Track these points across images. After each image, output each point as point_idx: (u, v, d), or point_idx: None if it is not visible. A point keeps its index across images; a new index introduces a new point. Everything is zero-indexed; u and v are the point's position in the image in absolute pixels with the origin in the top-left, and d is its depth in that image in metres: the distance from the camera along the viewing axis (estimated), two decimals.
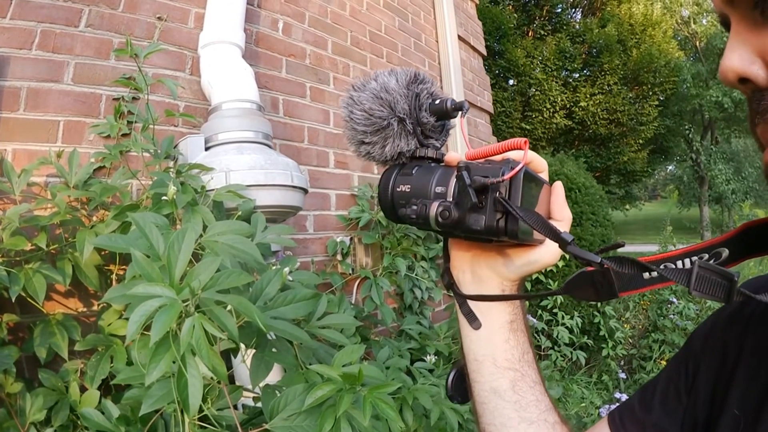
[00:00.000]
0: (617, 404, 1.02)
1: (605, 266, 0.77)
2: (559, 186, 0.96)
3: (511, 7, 19.78)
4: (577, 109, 18.78)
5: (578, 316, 5.70)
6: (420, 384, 2.48)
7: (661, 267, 0.77)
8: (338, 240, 3.58)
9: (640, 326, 6.86)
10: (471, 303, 0.99)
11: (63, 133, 2.44)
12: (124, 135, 2.53)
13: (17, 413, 1.83)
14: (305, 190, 2.65)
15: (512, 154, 0.87)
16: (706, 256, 0.85)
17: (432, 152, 0.95)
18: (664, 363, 5.88)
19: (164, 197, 1.75)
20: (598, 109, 18.60)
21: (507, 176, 0.80)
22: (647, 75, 19.53)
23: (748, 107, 0.70)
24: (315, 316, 1.73)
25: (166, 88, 2.52)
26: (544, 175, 0.93)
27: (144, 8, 2.83)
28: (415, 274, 3.85)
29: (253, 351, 1.54)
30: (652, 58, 19.32)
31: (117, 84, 2.56)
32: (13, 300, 1.80)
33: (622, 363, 6.47)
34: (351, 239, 3.71)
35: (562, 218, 0.92)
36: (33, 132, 2.38)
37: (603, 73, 18.93)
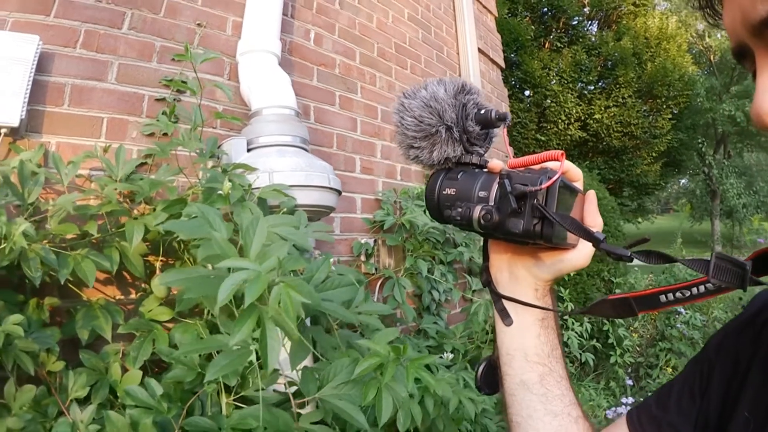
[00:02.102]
0: (629, 405, 1.08)
1: (633, 259, 0.84)
2: (592, 194, 1.02)
3: (528, 18, 19.72)
4: (591, 121, 18.73)
5: (588, 322, 5.80)
6: (439, 376, 2.57)
7: (684, 259, 0.82)
8: (363, 242, 3.69)
9: (648, 335, 6.93)
10: (505, 300, 1.05)
11: (107, 129, 2.54)
12: (164, 134, 2.65)
13: (57, 391, 1.92)
14: (339, 192, 2.79)
15: (550, 165, 0.93)
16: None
17: (476, 159, 1.01)
18: (669, 370, 6.03)
19: (219, 192, 1.87)
20: (613, 122, 18.55)
21: (544, 185, 0.86)
22: (661, 88, 19.47)
23: None
24: (355, 303, 1.88)
25: (206, 91, 2.64)
26: (579, 184, 1.00)
27: (185, 14, 2.94)
28: (434, 277, 3.98)
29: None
30: (667, 72, 19.27)
31: (162, 85, 2.71)
32: (62, 282, 1.91)
33: (630, 370, 6.57)
34: (375, 241, 3.83)
35: (594, 224, 0.98)
36: (77, 127, 2.48)
37: (618, 86, 18.85)
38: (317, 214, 2.70)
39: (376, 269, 3.73)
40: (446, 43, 5.62)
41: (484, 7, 6.63)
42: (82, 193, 2.20)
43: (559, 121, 19.18)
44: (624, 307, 0.93)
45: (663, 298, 0.89)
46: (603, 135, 19.10)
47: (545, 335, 1.03)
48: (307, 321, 1.98)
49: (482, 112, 0.98)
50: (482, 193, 0.93)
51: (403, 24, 4.90)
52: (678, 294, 0.88)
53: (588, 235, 0.87)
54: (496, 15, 7.04)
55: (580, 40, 20.05)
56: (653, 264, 0.87)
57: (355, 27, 4.24)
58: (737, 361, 0.87)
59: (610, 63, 19.41)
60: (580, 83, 19.35)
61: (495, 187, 0.92)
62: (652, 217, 36.21)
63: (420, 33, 5.15)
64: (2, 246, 1.70)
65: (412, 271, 3.86)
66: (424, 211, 3.92)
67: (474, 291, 4.63)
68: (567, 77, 18.69)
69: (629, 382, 6.04)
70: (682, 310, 6.66)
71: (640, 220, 30.64)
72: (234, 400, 1.85)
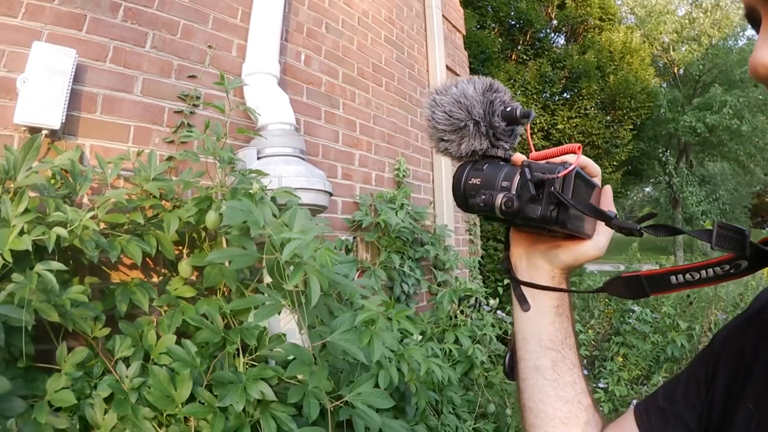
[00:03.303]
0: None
1: (643, 233, 0.91)
2: (607, 189, 1.08)
3: (496, 31, 19.58)
4: (554, 131, 18.56)
5: None
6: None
7: (690, 230, 0.89)
8: (343, 238, 4.16)
9: (603, 331, 7.31)
10: (523, 287, 1.10)
11: (134, 135, 2.93)
12: (183, 143, 3.06)
13: (102, 354, 2.26)
14: (330, 194, 3.27)
15: (569, 158, 1.00)
16: (728, 266, 0.89)
17: (501, 152, 1.06)
18: (620, 359, 6.40)
19: (249, 191, 2.32)
20: (575, 132, 18.38)
21: (561, 174, 0.92)
22: (623, 100, 19.40)
23: None
24: (350, 277, 2.38)
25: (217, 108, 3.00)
26: (597, 180, 1.06)
27: (197, 36, 3.35)
28: (404, 269, 4.47)
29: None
30: (629, 85, 19.18)
31: (179, 98, 3.14)
32: (113, 261, 2.29)
33: (586, 362, 6.91)
34: (354, 238, 4.31)
35: None
36: (108, 132, 2.82)
37: (581, 98, 18.68)
38: (314, 212, 3.15)
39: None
40: (417, 61, 6.04)
41: (453, 26, 7.04)
42: (132, 188, 2.59)
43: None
44: (637, 286, 0.99)
45: (673, 279, 0.94)
46: (565, 144, 19.06)
47: (559, 322, 1.07)
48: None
49: (508, 109, 1.04)
50: (505, 183, 0.99)
51: (380, 45, 5.33)
52: (687, 276, 0.92)
53: (600, 214, 0.94)
54: (464, 33, 7.44)
55: (546, 53, 19.88)
56: (661, 236, 0.92)
57: (338, 49, 4.67)
58: (742, 355, 0.88)
59: (574, 75, 19.36)
60: (544, 95, 19.29)
61: (517, 177, 0.98)
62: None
63: (394, 53, 5.57)
64: (68, 229, 2.03)
65: (386, 264, 4.34)
66: (396, 213, 4.42)
67: (439, 284, 5.08)
68: (532, 89, 18.53)
69: (584, 372, 6.36)
70: (635, 307, 7.03)
71: None
72: (249, 360, 2.31)
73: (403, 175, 5.23)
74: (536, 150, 1.03)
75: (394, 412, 3.02)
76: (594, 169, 1.06)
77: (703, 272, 0.91)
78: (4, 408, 1.86)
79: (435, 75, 6.22)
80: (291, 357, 2.18)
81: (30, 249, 1.93)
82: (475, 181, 1.04)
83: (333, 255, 1.91)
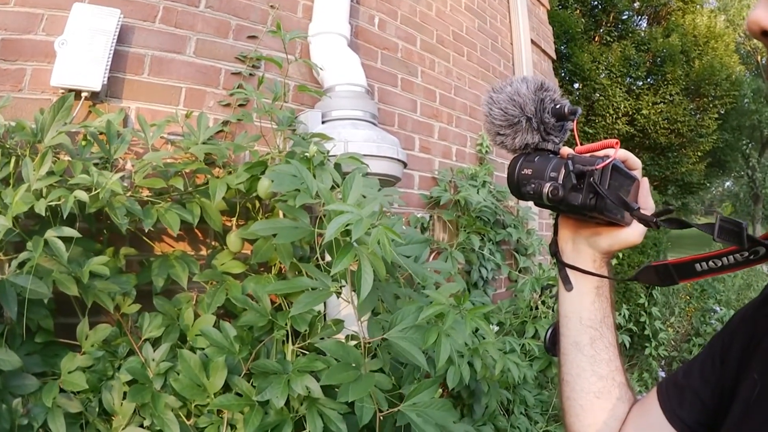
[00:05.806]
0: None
1: (659, 225, 1.00)
2: (644, 181, 1.13)
3: (578, 11, 19.36)
4: (639, 116, 18.32)
5: (626, 309, 5.85)
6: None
7: (696, 223, 0.97)
8: (419, 216, 3.88)
9: (683, 331, 7.00)
10: (567, 269, 1.19)
11: (185, 98, 2.76)
12: (240, 105, 2.85)
13: (129, 333, 2.12)
14: (405, 164, 2.98)
15: (609, 151, 1.06)
16: (746, 253, 0.95)
17: (551, 146, 1.14)
18: None
19: (305, 155, 2.06)
20: (659, 118, 18.13)
21: (599, 166, 1.00)
22: (708, 87, 19.00)
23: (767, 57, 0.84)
24: (421, 260, 2.07)
25: (277, 68, 2.79)
26: (638, 173, 1.12)
27: None
28: (484, 253, 4.17)
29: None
30: (714, 71, 18.77)
31: (238, 60, 2.93)
32: (147, 230, 2.11)
33: (663, 363, 6.62)
34: (431, 216, 4.04)
35: (646, 207, 1.10)
36: (156, 94, 2.68)
37: (666, 83, 18.38)
38: (385, 183, 2.86)
39: (430, 242, 3.88)
40: (500, 33, 5.73)
41: None
42: (174, 151, 2.44)
43: (607, 115, 18.83)
44: (666, 274, 1.07)
45: (698, 266, 1.02)
46: (650, 131, 18.68)
47: (599, 302, 1.14)
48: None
49: (557, 106, 1.11)
50: (553, 174, 1.07)
51: (460, 13, 5.03)
52: (711, 263, 1.00)
53: (625, 205, 1.01)
54: (548, 7, 7.12)
55: (630, 35, 19.63)
56: (674, 228, 1.00)
57: (416, 14, 4.40)
58: (755, 332, 0.92)
59: (658, 59, 18.98)
60: (628, 78, 18.88)
61: (563, 169, 1.06)
62: (696, 218, 35.75)
63: (476, 22, 5.27)
64: (93, 194, 1.86)
65: (464, 246, 4.05)
66: (477, 191, 4.14)
67: (520, 270, 4.79)
68: (616, 71, 18.30)
69: (662, 373, 6.07)
70: (718, 308, 6.79)
71: None
72: (299, 348, 2.04)
73: (486, 151, 4.95)
74: (581, 144, 1.10)
75: (461, 410, 2.88)
76: (634, 162, 1.13)
77: (725, 259, 0.98)
78: (14, 386, 1.79)
79: (519, 48, 5.82)
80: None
81: (45, 214, 1.80)
82: (527, 171, 1.12)
83: (392, 233, 1.58)
